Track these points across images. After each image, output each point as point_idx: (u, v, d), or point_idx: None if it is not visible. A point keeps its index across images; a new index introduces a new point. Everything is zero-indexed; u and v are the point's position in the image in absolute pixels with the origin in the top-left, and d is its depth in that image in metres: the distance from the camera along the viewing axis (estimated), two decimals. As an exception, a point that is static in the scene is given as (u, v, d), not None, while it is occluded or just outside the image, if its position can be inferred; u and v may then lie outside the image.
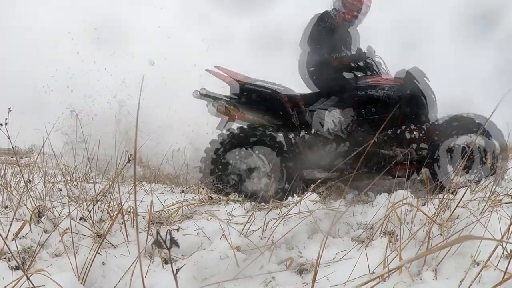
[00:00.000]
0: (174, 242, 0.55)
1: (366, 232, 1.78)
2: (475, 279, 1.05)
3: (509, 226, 1.12)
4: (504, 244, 1.12)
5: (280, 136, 2.97)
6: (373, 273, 1.30)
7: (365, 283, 1.00)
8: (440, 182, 2.80)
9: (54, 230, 1.49)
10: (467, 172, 2.90)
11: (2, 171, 2.28)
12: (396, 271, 1.22)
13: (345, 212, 2.04)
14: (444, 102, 3.25)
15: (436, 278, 1.22)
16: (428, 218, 1.42)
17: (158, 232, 0.58)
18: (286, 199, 2.61)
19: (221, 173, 3.02)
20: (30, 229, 1.56)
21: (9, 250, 1.17)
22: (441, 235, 1.39)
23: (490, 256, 1.03)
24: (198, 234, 1.71)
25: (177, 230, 0.57)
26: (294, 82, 3.37)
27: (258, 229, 1.69)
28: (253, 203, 2.51)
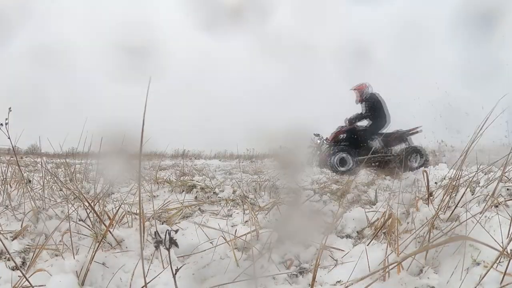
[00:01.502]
0: (173, 243, 0.55)
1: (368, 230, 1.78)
2: (478, 284, 1.04)
3: (510, 228, 1.12)
4: (505, 245, 1.12)
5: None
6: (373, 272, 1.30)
7: (363, 278, 1.00)
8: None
9: (54, 231, 1.49)
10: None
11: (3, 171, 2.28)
12: (394, 267, 1.21)
13: (343, 213, 2.03)
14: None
15: (436, 278, 1.22)
16: (428, 218, 1.42)
17: (157, 233, 0.58)
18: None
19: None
20: (30, 229, 1.56)
21: (7, 251, 1.17)
22: (443, 234, 1.39)
23: (494, 263, 1.02)
24: (198, 234, 1.71)
25: (176, 231, 0.57)
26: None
27: (259, 230, 1.68)
28: (251, 204, 2.51)
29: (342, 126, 7.78)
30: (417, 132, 7.25)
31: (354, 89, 7.60)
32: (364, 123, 7.62)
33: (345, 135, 7.68)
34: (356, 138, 7.48)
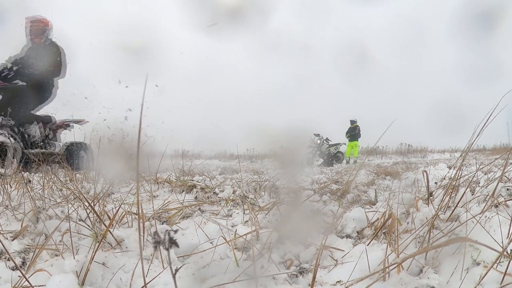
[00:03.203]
0: (173, 243, 0.55)
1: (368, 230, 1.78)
2: (478, 284, 1.05)
3: (509, 228, 1.12)
4: (505, 246, 1.12)
5: None
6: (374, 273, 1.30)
7: (363, 278, 1.00)
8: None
9: (54, 231, 1.49)
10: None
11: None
12: (394, 268, 1.22)
13: (343, 213, 2.03)
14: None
15: (436, 278, 1.22)
16: (428, 219, 1.42)
17: (156, 233, 0.58)
18: None
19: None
20: (30, 229, 1.57)
21: (6, 251, 1.17)
22: (444, 234, 1.39)
23: (494, 263, 1.02)
24: (198, 234, 1.71)
25: (175, 231, 0.57)
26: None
27: (260, 230, 1.68)
28: (251, 204, 2.51)
29: None
30: (84, 122, 4.96)
31: (32, 21, 4.58)
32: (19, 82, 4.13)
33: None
34: (15, 110, 3.85)
